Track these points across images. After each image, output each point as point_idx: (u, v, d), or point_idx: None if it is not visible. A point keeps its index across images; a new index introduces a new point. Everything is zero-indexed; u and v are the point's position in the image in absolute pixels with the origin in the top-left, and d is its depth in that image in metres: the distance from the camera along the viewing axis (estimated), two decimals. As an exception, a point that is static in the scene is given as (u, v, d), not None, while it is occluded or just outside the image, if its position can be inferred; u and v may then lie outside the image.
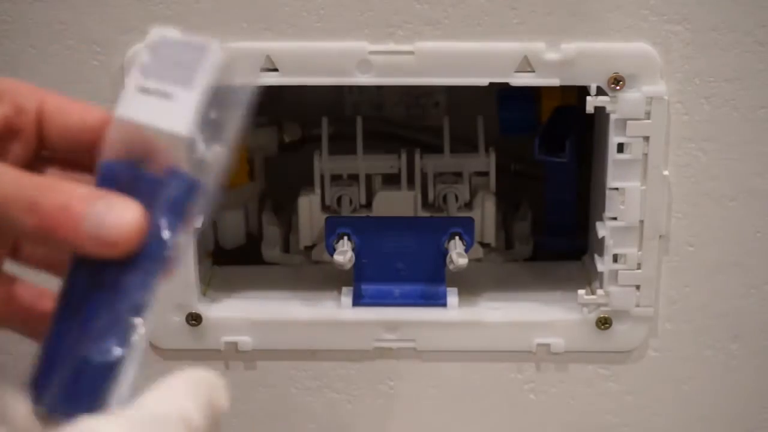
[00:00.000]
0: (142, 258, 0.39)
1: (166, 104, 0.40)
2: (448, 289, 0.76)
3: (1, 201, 0.38)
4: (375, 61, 0.69)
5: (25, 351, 0.42)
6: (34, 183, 0.39)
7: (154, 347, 0.75)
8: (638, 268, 0.72)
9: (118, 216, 0.38)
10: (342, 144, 0.83)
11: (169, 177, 0.40)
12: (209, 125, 0.40)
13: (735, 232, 0.73)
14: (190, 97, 0.40)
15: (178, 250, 0.39)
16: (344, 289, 0.77)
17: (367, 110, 0.89)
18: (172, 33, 0.42)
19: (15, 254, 0.44)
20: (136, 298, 0.39)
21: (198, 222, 0.41)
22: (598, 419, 0.77)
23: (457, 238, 0.75)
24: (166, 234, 0.39)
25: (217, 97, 0.40)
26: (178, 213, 0.39)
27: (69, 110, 0.43)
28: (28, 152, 0.43)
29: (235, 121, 0.41)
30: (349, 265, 0.74)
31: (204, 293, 0.76)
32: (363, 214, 0.81)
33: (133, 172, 0.40)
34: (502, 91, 0.82)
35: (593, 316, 0.74)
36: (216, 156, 0.40)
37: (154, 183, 0.40)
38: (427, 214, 0.81)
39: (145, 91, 0.40)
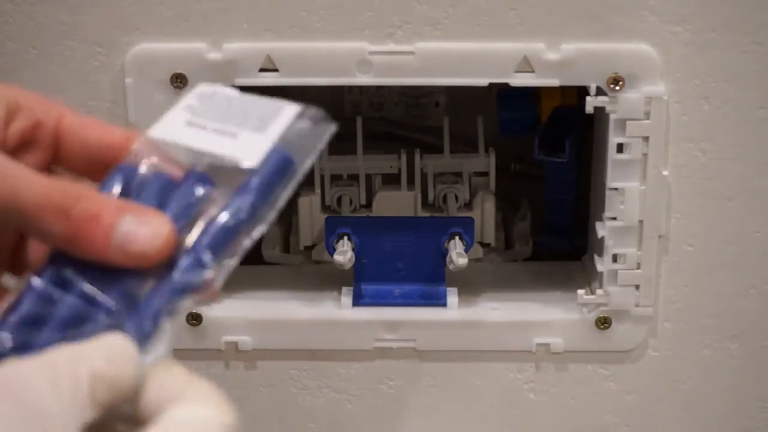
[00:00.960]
0: (167, 275, 0.39)
1: (229, 140, 0.40)
2: (448, 289, 0.77)
3: (32, 206, 0.38)
4: (375, 61, 0.69)
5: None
6: (65, 190, 0.39)
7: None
8: (638, 268, 0.72)
9: (149, 229, 0.38)
10: (342, 144, 0.83)
11: (225, 204, 0.40)
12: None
13: (734, 232, 0.73)
14: (261, 138, 0.40)
15: (218, 275, 0.39)
16: (344, 289, 0.77)
17: (367, 110, 0.89)
18: (222, 88, 0.43)
19: (14, 268, 0.44)
20: (151, 313, 0.39)
21: (243, 250, 0.40)
22: (598, 419, 0.77)
23: (457, 238, 0.75)
24: (206, 256, 0.39)
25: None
26: (224, 240, 0.39)
27: (89, 127, 0.43)
28: (43, 165, 0.43)
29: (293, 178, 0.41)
30: (349, 265, 0.74)
31: (204, 293, 0.76)
32: (363, 214, 0.81)
33: (167, 186, 0.40)
34: (502, 91, 0.82)
35: (593, 316, 0.74)
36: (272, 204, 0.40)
37: (190, 196, 0.40)
38: (427, 214, 0.81)
39: (198, 126, 0.41)
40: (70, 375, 0.35)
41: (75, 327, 0.38)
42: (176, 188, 0.40)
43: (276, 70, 0.69)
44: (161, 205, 0.40)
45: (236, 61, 0.69)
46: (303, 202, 0.80)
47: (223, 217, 0.39)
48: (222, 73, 0.69)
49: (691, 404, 0.77)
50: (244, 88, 0.70)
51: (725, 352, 0.75)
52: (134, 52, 0.69)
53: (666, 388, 0.76)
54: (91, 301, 0.38)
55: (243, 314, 0.75)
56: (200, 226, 0.39)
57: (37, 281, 0.39)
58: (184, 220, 0.39)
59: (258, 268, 0.82)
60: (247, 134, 0.40)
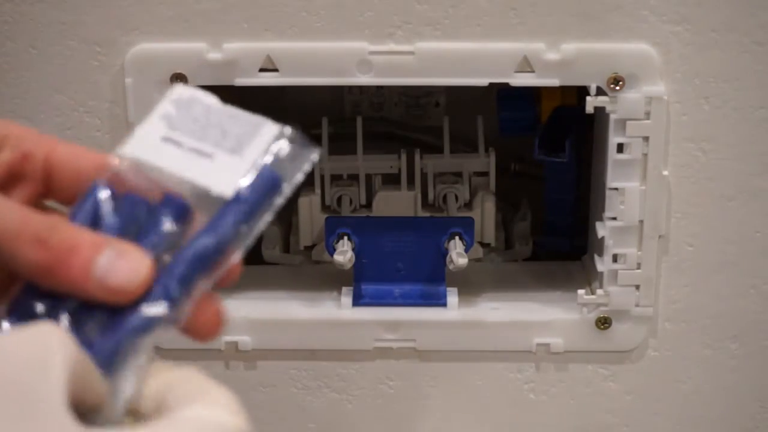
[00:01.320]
0: (135, 310, 0.38)
1: (205, 163, 0.39)
2: (448, 289, 0.77)
3: (8, 232, 0.37)
4: (375, 61, 0.69)
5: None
6: (42, 221, 0.38)
7: (154, 347, 0.75)
8: (638, 268, 0.72)
9: (128, 264, 0.38)
10: (342, 144, 0.83)
11: (196, 235, 0.39)
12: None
13: (735, 232, 0.73)
14: (237, 163, 0.39)
15: (186, 307, 0.38)
16: (344, 289, 0.77)
17: (367, 110, 0.89)
18: (201, 94, 0.41)
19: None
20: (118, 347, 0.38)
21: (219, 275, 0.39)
22: (597, 419, 0.77)
23: (457, 238, 0.75)
24: (175, 291, 0.38)
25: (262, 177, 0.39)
26: (197, 269, 0.38)
27: (82, 156, 0.42)
28: (32, 198, 0.42)
29: (274, 201, 0.40)
30: (349, 265, 0.74)
31: (204, 293, 0.76)
32: (363, 214, 0.81)
33: (142, 210, 0.39)
34: (502, 91, 0.82)
35: (593, 316, 0.74)
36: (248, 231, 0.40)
37: (162, 230, 0.39)
38: (427, 214, 0.81)
39: (174, 142, 0.40)
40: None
41: None
42: (152, 213, 0.39)
43: (276, 70, 0.69)
44: (137, 231, 0.39)
45: (236, 61, 0.69)
46: (303, 202, 0.80)
47: (198, 246, 0.38)
48: (222, 73, 0.69)
49: (691, 404, 0.77)
50: (244, 88, 0.70)
51: (725, 352, 0.75)
52: (134, 52, 0.69)
53: (666, 388, 0.76)
54: None
55: (243, 314, 0.75)
56: (173, 255, 0.38)
57: (6, 325, 0.38)
58: (160, 249, 0.38)
59: (258, 268, 0.82)
60: (223, 157, 0.39)
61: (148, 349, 0.39)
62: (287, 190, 0.40)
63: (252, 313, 0.76)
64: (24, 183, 0.42)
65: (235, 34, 0.69)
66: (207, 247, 0.38)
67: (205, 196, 0.39)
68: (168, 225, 0.39)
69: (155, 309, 0.38)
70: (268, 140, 0.40)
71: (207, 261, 0.38)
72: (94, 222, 0.39)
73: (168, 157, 0.40)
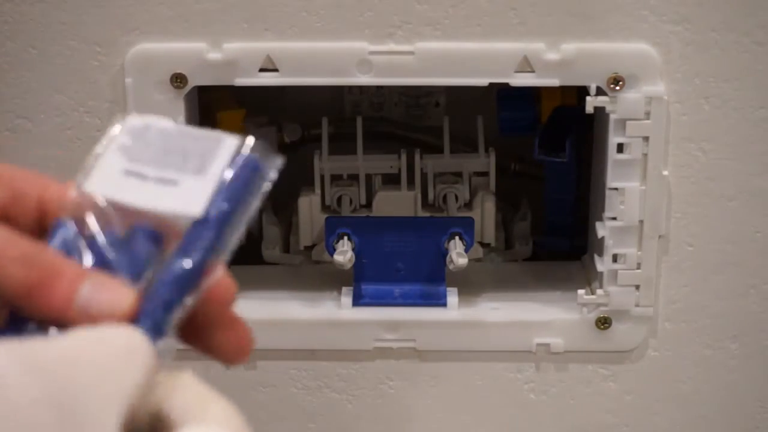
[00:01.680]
0: None
1: (171, 190, 0.39)
2: (448, 289, 0.77)
3: None
4: (375, 61, 0.69)
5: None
6: (29, 243, 0.37)
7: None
8: (638, 268, 0.72)
9: (112, 294, 0.37)
10: (342, 144, 0.83)
11: (172, 256, 0.38)
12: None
13: (735, 232, 0.73)
14: (203, 182, 0.39)
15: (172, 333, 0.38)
16: (344, 289, 0.77)
17: (367, 110, 0.89)
18: (154, 120, 0.40)
19: None
20: None
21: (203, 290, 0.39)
22: (597, 419, 0.77)
23: (457, 238, 0.75)
24: (164, 323, 0.37)
25: (231, 190, 0.39)
26: (178, 294, 0.38)
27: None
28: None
29: (246, 214, 0.39)
30: (349, 265, 0.74)
31: (204, 293, 0.76)
32: (363, 214, 0.81)
33: (112, 243, 0.39)
34: (502, 91, 0.82)
35: (593, 316, 0.74)
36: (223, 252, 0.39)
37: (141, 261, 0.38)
38: (427, 214, 0.81)
39: (137, 175, 0.39)
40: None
41: None
42: (123, 245, 0.39)
43: (276, 70, 0.69)
44: (108, 265, 0.38)
45: (236, 61, 0.69)
46: (303, 202, 0.80)
47: (176, 269, 0.38)
48: (222, 73, 0.69)
49: (691, 404, 0.77)
50: (245, 88, 0.70)
51: (725, 352, 0.75)
52: (134, 52, 0.69)
53: (666, 388, 0.76)
54: None
55: (243, 314, 0.75)
56: (152, 280, 0.38)
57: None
58: (138, 277, 0.38)
59: (258, 268, 0.82)
60: (188, 180, 0.39)
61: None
62: (254, 201, 0.40)
63: (252, 313, 0.76)
64: (17, 224, 0.40)
65: (235, 34, 0.69)
66: (184, 269, 0.38)
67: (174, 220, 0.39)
68: (142, 251, 0.38)
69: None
70: (230, 153, 0.39)
71: (187, 282, 0.38)
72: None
73: (133, 192, 0.39)
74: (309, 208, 0.81)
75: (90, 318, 0.37)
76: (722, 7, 0.68)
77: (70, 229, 0.39)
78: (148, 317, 0.37)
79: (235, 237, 0.39)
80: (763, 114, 0.70)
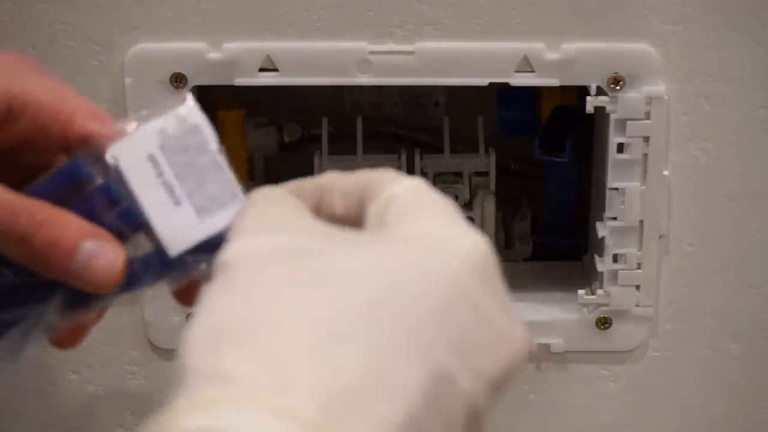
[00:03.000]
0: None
1: (171, 209, 0.40)
2: (448, 289, 0.76)
3: None
4: (375, 61, 0.69)
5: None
6: (30, 213, 0.39)
7: (154, 347, 0.75)
8: (638, 268, 0.72)
9: (106, 260, 0.39)
10: (342, 144, 0.83)
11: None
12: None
13: (735, 232, 0.73)
14: (198, 225, 0.40)
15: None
16: (344, 289, 0.77)
17: (367, 110, 0.89)
18: (206, 127, 0.41)
19: None
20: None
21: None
22: (598, 419, 0.77)
23: (457, 238, 0.75)
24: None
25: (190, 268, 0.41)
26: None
27: (98, 135, 0.42)
28: (45, 165, 0.43)
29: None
30: (349, 265, 0.74)
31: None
32: (363, 214, 0.81)
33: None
34: (502, 91, 0.82)
35: (593, 316, 0.74)
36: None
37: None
38: (427, 214, 0.80)
39: (156, 168, 0.40)
40: None
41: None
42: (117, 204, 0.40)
43: (276, 70, 0.69)
44: (101, 219, 0.40)
45: (236, 61, 0.69)
46: (303, 202, 0.80)
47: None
48: (222, 73, 0.69)
49: (692, 405, 0.77)
50: (244, 88, 0.70)
51: (726, 353, 0.75)
52: (134, 52, 0.69)
53: (666, 389, 0.76)
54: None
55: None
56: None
57: None
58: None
59: (258, 268, 0.82)
60: (188, 212, 0.40)
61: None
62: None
63: (252, 313, 0.75)
64: (38, 154, 0.42)
65: (235, 34, 0.69)
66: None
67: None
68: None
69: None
70: (235, 215, 0.40)
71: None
72: (74, 196, 0.40)
73: (144, 181, 0.40)
74: (309, 208, 0.80)
75: (85, 282, 0.39)
76: (723, 7, 0.68)
77: (80, 169, 0.40)
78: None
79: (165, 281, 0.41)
80: (763, 114, 0.70)
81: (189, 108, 0.41)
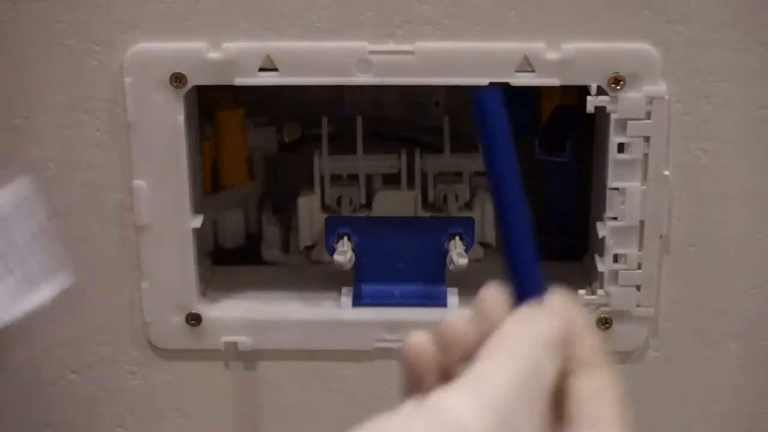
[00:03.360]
0: None
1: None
2: (449, 289, 0.76)
3: None
4: (375, 61, 0.69)
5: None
6: None
7: (153, 347, 0.75)
8: (638, 268, 0.72)
9: None
10: (342, 144, 0.82)
11: None
12: None
13: (735, 232, 0.73)
14: (12, 303, 0.40)
15: None
16: (344, 289, 0.77)
17: (367, 110, 0.89)
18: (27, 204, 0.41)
19: None
20: None
21: None
22: (598, 419, 0.77)
23: (457, 238, 0.75)
24: None
25: None
26: None
27: None
28: None
29: None
30: (349, 265, 0.74)
31: (204, 293, 0.76)
32: (363, 214, 0.81)
33: None
34: (502, 91, 0.82)
35: (594, 317, 0.74)
36: None
37: None
38: (427, 214, 0.81)
39: None
40: None
41: None
42: None
43: (276, 70, 0.69)
44: None
45: (236, 60, 0.69)
46: (303, 202, 0.80)
47: None
48: (222, 72, 0.69)
49: (692, 404, 0.77)
50: (244, 88, 0.70)
51: (726, 353, 0.75)
52: (133, 52, 0.69)
53: (666, 388, 0.76)
54: None
55: (243, 314, 0.75)
56: None
57: None
58: None
59: (258, 268, 0.82)
60: (9, 286, 0.40)
61: None
62: None
63: (252, 313, 0.75)
64: None
65: (235, 33, 0.69)
66: None
67: None
68: None
69: None
70: (58, 290, 0.40)
71: None
72: None
73: None
74: (309, 208, 0.81)
75: None
76: (723, 7, 0.68)
77: None
78: None
79: None
80: (764, 114, 0.70)
81: (25, 180, 0.41)
